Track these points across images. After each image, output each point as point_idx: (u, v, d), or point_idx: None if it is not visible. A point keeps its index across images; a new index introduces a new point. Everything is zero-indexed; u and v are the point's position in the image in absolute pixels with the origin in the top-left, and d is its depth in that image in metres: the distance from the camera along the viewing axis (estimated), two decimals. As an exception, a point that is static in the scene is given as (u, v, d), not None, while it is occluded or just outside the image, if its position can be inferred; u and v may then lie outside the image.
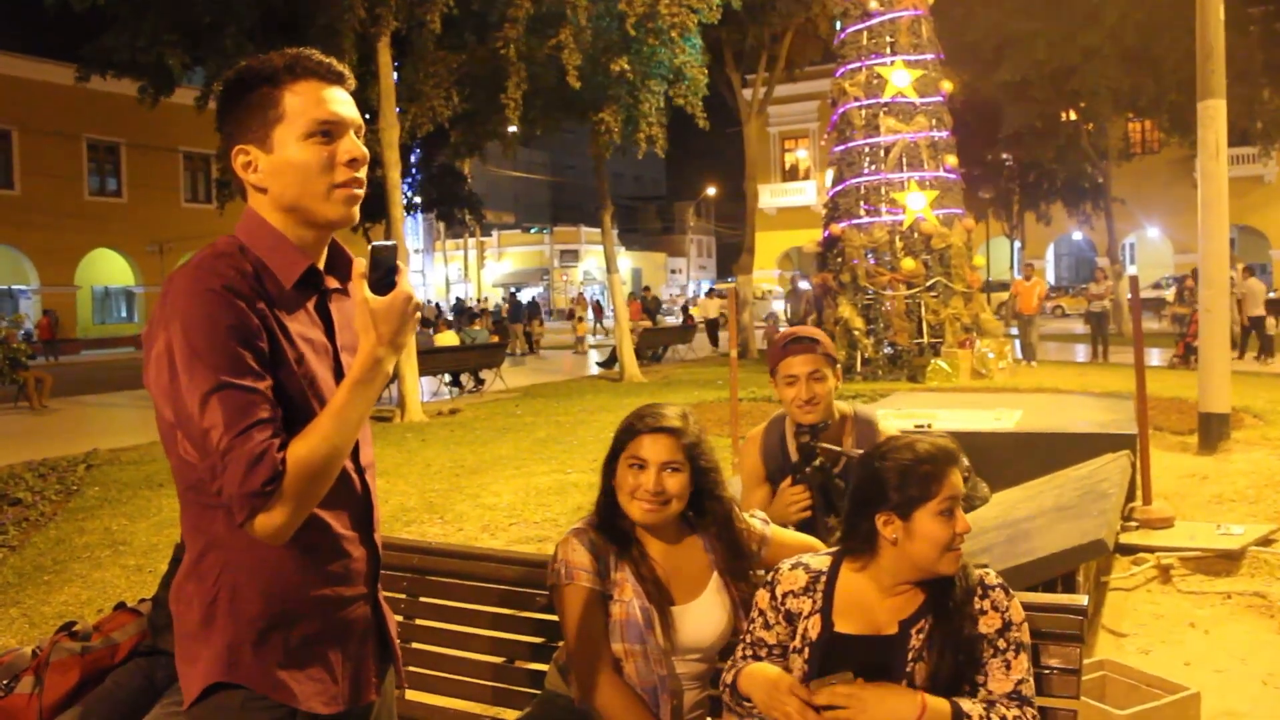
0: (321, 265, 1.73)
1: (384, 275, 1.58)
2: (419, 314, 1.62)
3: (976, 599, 1.96)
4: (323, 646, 1.68)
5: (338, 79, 1.68)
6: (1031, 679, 1.92)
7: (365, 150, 1.69)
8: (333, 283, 1.75)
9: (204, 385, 1.49)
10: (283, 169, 1.64)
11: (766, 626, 2.09)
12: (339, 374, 1.71)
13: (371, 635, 1.79)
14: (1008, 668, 1.91)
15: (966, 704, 1.89)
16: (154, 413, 1.61)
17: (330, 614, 1.68)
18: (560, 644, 2.33)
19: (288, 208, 1.66)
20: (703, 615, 2.23)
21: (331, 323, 1.73)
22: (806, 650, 2.02)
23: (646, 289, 35.10)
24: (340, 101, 1.67)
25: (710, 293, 32.87)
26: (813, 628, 2.03)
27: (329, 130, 1.64)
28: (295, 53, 1.66)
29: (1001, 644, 1.93)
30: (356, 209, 1.69)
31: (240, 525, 1.52)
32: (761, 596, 2.12)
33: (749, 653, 2.11)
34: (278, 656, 1.62)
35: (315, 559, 1.66)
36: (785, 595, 2.07)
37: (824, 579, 2.06)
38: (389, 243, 1.62)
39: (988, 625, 1.94)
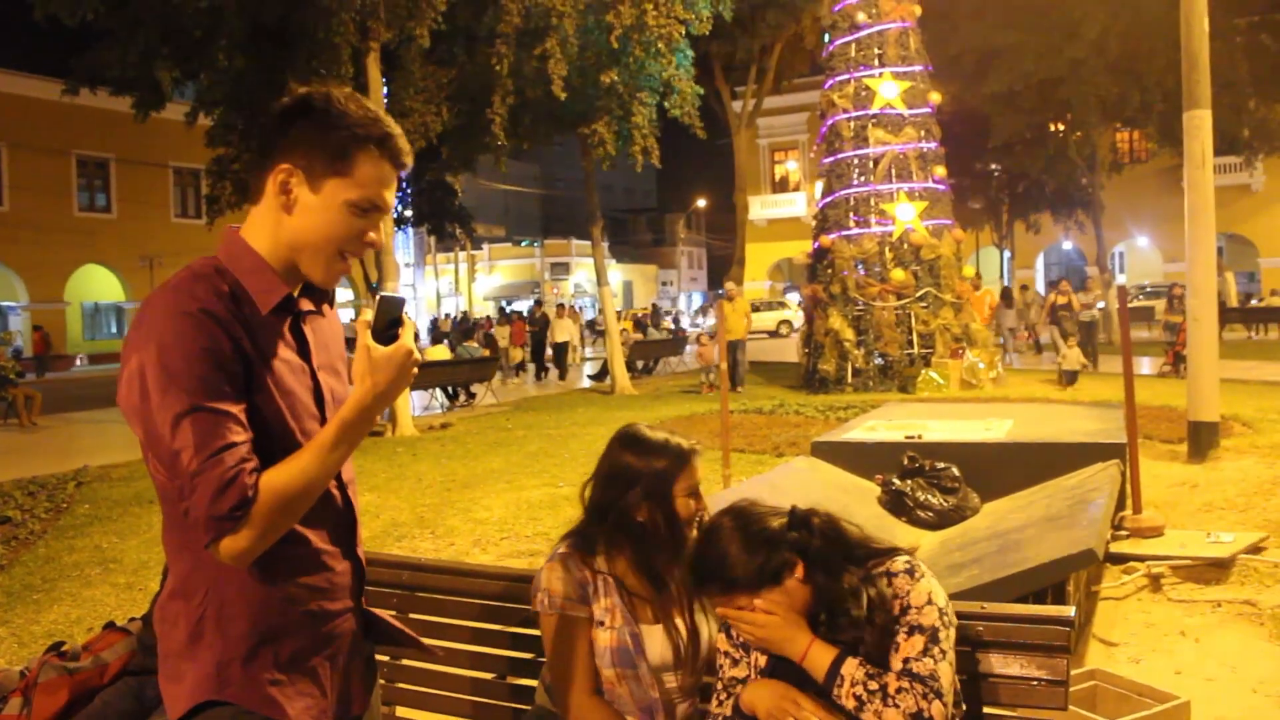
0: (297, 291, 1.75)
1: (388, 326, 1.62)
2: (415, 370, 1.65)
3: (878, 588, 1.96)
4: (311, 661, 1.69)
5: (403, 169, 1.72)
6: (931, 660, 1.86)
7: (383, 240, 1.75)
8: (306, 305, 1.77)
9: (177, 407, 1.50)
10: (315, 214, 1.65)
11: (735, 664, 2.12)
12: (317, 394, 1.73)
13: (358, 649, 1.82)
14: (896, 650, 1.90)
15: (851, 665, 1.89)
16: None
17: (317, 628, 1.70)
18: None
19: (291, 243, 1.67)
20: (693, 630, 2.25)
21: (306, 343, 1.75)
22: (756, 676, 2.07)
23: (538, 303, 31.65)
24: (393, 190, 1.72)
25: (560, 310, 26.39)
26: (760, 657, 2.07)
27: (370, 211, 1.68)
28: (390, 128, 1.68)
29: (895, 628, 1.92)
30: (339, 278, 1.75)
31: (205, 546, 1.53)
32: (721, 640, 2.16)
33: (724, 695, 2.12)
34: (267, 672, 1.63)
35: (299, 574, 1.67)
36: (738, 632, 2.12)
37: None
38: (398, 295, 1.66)
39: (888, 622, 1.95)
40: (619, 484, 2.26)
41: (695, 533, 2.23)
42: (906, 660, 1.87)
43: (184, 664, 1.63)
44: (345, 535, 1.78)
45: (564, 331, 24.27)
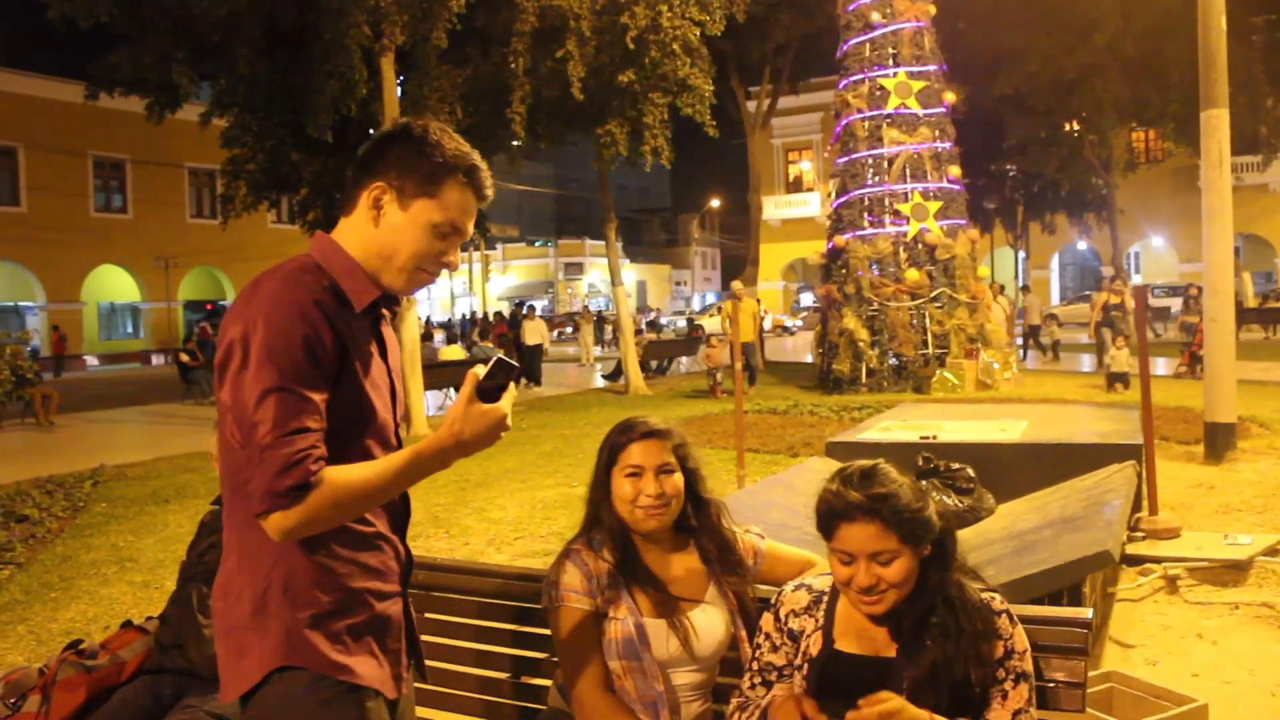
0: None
1: (493, 388, 1.72)
2: (503, 435, 1.76)
3: (980, 623, 1.90)
4: (367, 636, 1.78)
5: (484, 201, 1.89)
6: (1032, 709, 1.87)
7: (460, 262, 1.90)
8: (384, 310, 1.90)
9: (267, 382, 1.62)
10: (402, 230, 1.80)
11: (774, 649, 2.07)
12: (392, 390, 1.89)
13: (402, 633, 1.91)
14: (1004, 698, 1.86)
15: None
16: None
17: (373, 607, 1.80)
18: (564, 660, 2.34)
19: (379, 253, 1.82)
20: (702, 624, 2.22)
21: (385, 344, 1.91)
22: (806, 667, 2.00)
23: (519, 304, 30.83)
24: (473, 219, 1.88)
25: (530, 311, 25.07)
26: (814, 645, 2.00)
27: (451, 234, 1.84)
28: (477, 162, 1.85)
29: (1000, 674, 1.88)
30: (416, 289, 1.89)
31: (255, 515, 1.63)
32: (766, 619, 2.10)
33: (758, 679, 2.07)
34: (332, 641, 1.72)
35: (362, 555, 1.78)
36: (788, 615, 2.06)
37: (826, 598, 2.05)
38: (514, 363, 1.76)
39: (989, 653, 1.89)
40: (595, 471, 2.31)
41: (649, 522, 2.21)
42: (1017, 713, 1.86)
43: (249, 636, 1.71)
44: (400, 524, 1.92)
45: (534, 334, 23.30)
